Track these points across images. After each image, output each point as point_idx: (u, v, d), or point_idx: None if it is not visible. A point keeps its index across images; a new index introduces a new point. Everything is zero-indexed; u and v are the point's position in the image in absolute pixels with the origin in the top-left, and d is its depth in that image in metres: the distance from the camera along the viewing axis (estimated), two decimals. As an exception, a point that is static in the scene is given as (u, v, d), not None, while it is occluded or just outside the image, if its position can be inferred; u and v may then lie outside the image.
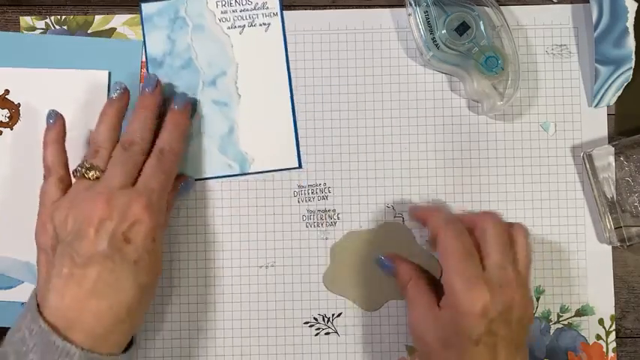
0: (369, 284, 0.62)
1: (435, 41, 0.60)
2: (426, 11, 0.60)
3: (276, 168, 0.63)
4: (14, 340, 0.50)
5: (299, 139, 0.63)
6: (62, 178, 0.56)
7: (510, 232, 0.54)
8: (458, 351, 0.51)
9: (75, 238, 0.51)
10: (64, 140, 0.58)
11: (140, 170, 0.55)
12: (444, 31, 0.59)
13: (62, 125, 0.58)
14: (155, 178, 0.54)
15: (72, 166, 0.56)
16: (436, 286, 0.56)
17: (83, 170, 0.54)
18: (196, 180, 0.62)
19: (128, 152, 0.55)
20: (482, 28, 0.59)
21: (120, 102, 0.58)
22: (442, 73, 0.63)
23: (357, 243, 0.62)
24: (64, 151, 0.57)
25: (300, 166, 0.63)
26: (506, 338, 0.51)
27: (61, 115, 0.58)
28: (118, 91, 0.58)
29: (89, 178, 0.54)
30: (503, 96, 0.60)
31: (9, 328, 0.61)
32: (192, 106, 0.62)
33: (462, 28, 0.59)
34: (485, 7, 0.61)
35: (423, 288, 0.56)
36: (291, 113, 0.63)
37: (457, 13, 0.59)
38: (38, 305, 0.51)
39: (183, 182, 0.60)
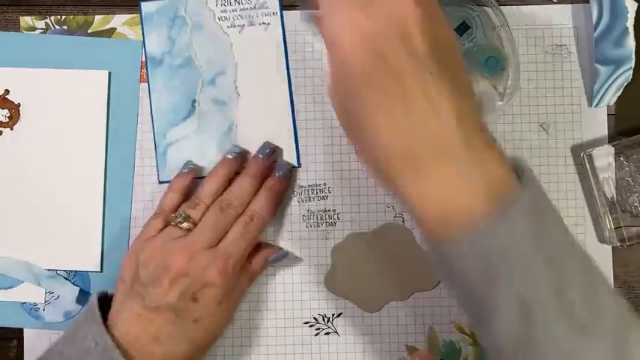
0: (369, 286, 0.62)
1: None
2: None
3: (275, 167, 0.63)
4: (79, 347, 0.53)
5: (298, 139, 0.63)
6: (167, 221, 0.58)
7: None
8: (356, 96, 0.42)
9: (151, 282, 0.54)
10: (186, 192, 0.60)
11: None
12: None
13: (192, 178, 0.61)
14: (236, 244, 0.56)
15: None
16: None
17: (179, 220, 0.57)
18: (197, 179, 0.62)
19: (223, 214, 0.57)
20: (482, 28, 0.59)
21: (234, 164, 0.60)
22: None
23: (357, 245, 0.62)
24: (182, 201, 0.59)
25: (299, 166, 0.63)
26: (410, 55, 0.41)
27: (194, 168, 0.61)
28: (234, 154, 0.60)
29: (181, 229, 0.56)
30: (504, 96, 0.60)
31: (9, 328, 0.61)
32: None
33: (462, 28, 0.59)
34: (486, 7, 0.61)
35: None
36: (291, 113, 0.63)
37: (457, 13, 0.59)
38: (106, 320, 0.54)
39: (274, 254, 0.61)
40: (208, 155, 0.63)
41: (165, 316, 0.53)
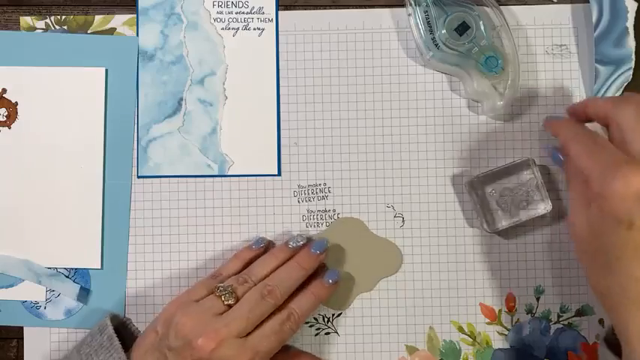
0: None
1: (435, 41, 0.60)
2: (426, 11, 0.60)
3: (255, 173, 0.63)
4: None
5: (281, 147, 0.63)
6: (213, 288, 0.57)
7: None
8: (608, 237, 0.48)
9: (176, 350, 0.53)
10: (249, 262, 0.60)
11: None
12: (443, 31, 0.59)
13: (261, 253, 0.60)
14: (268, 341, 0.54)
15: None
16: None
17: (224, 293, 0.55)
18: (177, 177, 0.62)
19: (263, 301, 0.55)
20: (482, 28, 0.59)
21: (292, 253, 0.59)
22: (442, 73, 0.63)
23: None
24: (239, 269, 0.59)
25: (279, 174, 0.63)
26: None
27: (269, 243, 0.62)
28: (296, 244, 0.60)
29: (223, 302, 0.55)
30: (504, 96, 0.60)
31: (10, 326, 0.61)
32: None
33: (462, 28, 0.59)
34: (485, 7, 0.61)
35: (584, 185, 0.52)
36: (276, 121, 0.63)
37: (457, 13, 0.59)
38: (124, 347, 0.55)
39: None
40: (189, 155, 0.63)
41: None
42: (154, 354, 0.54)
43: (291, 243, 0.59)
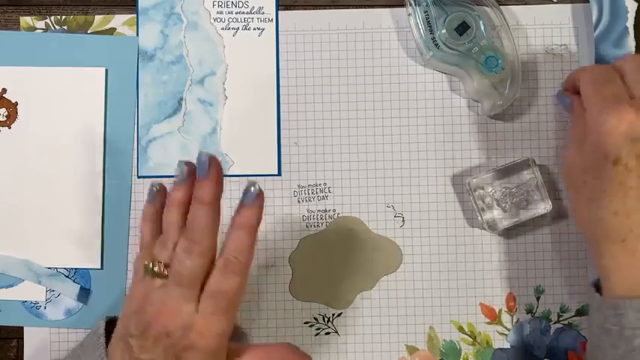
0: (334, 284, 0.62)
1: (435, 41, 0.60)
2: (426, 11, 0.60)
3: (255, 173, 0.63)
4: None
5: (281, 147, 0.63)
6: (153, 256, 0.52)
7: None
8: (595, 171, 0.50)
9: (138, 336, 0.49)
10: (160, 217, 0.53)
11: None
12: (443, 31, 0.59)
13: (161, 202, 0.54)
14: (215, 301, 0.49)
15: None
16: None
17: (151, 267, 0.50)
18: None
19: (190, 260, 0.49)
20: (482, 27, 0.59)
21: (185, 187, 0.51)
22: (442, 73, 0.63)
23: (312, 247, 0.63)
24: (160, 229, 0.53)
25: (279, 174, 0.63)
26: None
27: (161, 190, 0.55)
28: (180, 179, 0.51)
29: (158, 275, 0.50)
30: (504, 96, 0.60)
31: (10, 326, 0.61)
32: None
33: (462, 28, 0.59)
34: (485, 7, 0.61)
35: (583, 118, 0.54)
36: (276, 121, 0.63)
37: (457, 13, 0.59)
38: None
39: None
40: (189, 155, 0.63)
41: None
42: (120, 344, 0.50)
43: (176, 180, 0.51)
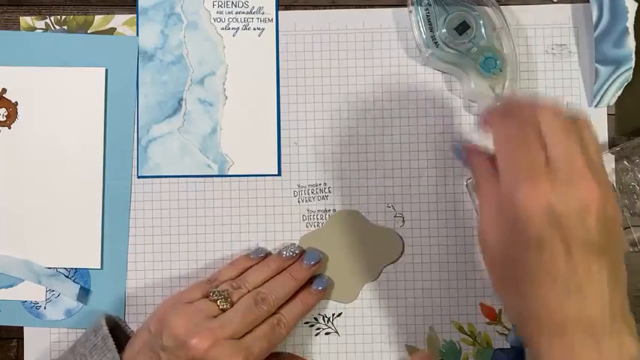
0: (338, 277, 0.62)
1: (435, 39, 0.60)
2: (427, 9, 0.60)
3: (255, 173, 0.63)
4: None
5: (281, 148, 0.63)
6: (208, 293, 0.57)
7: (574, 123, 0.46)
8: (518, 260, 0.45)
9: (170, 350, 0.53)
10: (245, 268, 0.60)
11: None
12: (444, 30, 0.59)
13: (260, 260, 0.61)
14: (260, 343, 0.55)
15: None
16: None
17: (219, 297, 0.56)
18: (177, 177, 0.63)
19: (256, 307, 0.56)
20: (482, 28, 0.59)
21: (285, 262, 0.60)
22: (442, 72, 0.63)
23: (313, 244, 0.63)
24: (236, 275, 0.60)
25: (279, 174, 0.63)
26: (584, 243, 0.43)
27: (268, 253, 0.62)
28: (290, 254, 0.61)
29: (218, 306, 0.56)
30: (500, 98, 0.60)
31: (10, 326, 0.61)
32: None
33: (462, 28, 0.59)
34: (486, 7, 0.61)
35: (494, 188, 0.47)
36: (276, 121, 0.63)
37: (458, 13, 0.59)
38: (118, 348, 0.56)
39: None
40: (189, 155, 0.63)
41: None
42: (147, 353, 0.54)
43: (284, 253, 0.60)
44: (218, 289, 0.57)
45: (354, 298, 0.63)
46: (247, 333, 0.55)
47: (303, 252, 0.61)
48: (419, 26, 0.60)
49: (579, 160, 0.44)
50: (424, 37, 0.60)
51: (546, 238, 0.43)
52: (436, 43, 0.60)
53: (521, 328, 0.47)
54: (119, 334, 0.59)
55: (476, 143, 0.58)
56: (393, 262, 0.63)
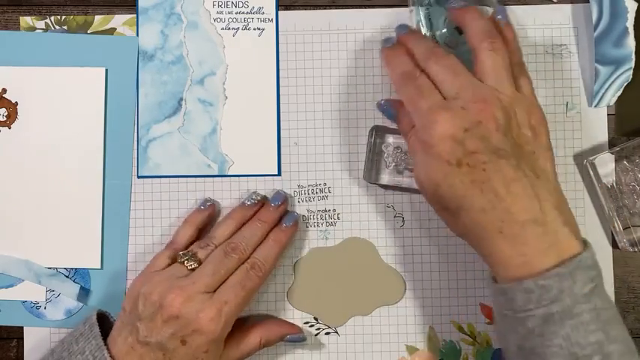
0: (332, 300, 0.62)
1: (435, 39, 0.60)
2: (428, 9, 0.60)
3: (255, 173, 0.63)
4: (78, 359, 0.55)
5: (281, 148, 0.63)
6: (175, 257, 0.58)
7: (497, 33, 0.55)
8: (445, 181, 0.51)
9: (146, 318, 0.54)
10: (202, 226, 0.61)
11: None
12: (444, 30, 0.59)
13: (210, 214, 0.62)
14: (234, 291, 0.55)
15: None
16: None
17: (186, 258, 0.57)
18: (177, 177, 0.63)
19: (227, 258, 0.57)
20: None
21: (250, 211, 0.60)
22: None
23: (320, 259, 0.63)
24: (195, 235, 0.61)
25: (279, 174, 0.63)
26: (490, 151, 0.50)
27: (214, 203, 0.62)
28: (252, 201, 0.61)
29: (186, 267, 0.57)
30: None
31: (10, 326, 0.61)
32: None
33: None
34: (488, 8, 0.60)
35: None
36: (276, 121, 0.63)
37: None
38: (105, 338, 0.56)
39: (293, 336, 0.61)
40: (189, 155, 0.63)
41: (154, 353, 0.54)
42: (125, 329, 0.55)
43: (247, 202, 0.60)
44: (184, 251, 0.58)
45: (341, 324, 0.63)
46: (222, 284, 0.56)
47: (265, 198, 0.61)
48: (419, 26, 0.60)
49: (466, 89, 0.52)
50: (425, 34, 0.60)
51: (460, 156, 0.50)
52: (436, 42, 0.60)
53: (469, 239, 0.53)
54: (108, 326, 0.59)
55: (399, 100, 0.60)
56: (389, 305, 0.63)
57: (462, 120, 0.50)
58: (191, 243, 0.60)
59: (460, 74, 0.53)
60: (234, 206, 0.61)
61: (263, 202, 0.61)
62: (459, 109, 0.51)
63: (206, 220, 0.61)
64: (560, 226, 0.50)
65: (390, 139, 0.61)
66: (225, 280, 0.56)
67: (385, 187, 0.62)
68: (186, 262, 0.57)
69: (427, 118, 0.52)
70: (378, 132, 0.61)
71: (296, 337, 0.61)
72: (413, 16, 0.61)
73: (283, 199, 0.60)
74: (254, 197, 0.60)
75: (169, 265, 0.58)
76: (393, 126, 0.62)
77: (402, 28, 0.59)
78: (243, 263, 0.57)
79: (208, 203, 0.61)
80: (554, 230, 0.50)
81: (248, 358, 0.59)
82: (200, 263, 0.57)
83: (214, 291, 0.55)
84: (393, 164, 0.61)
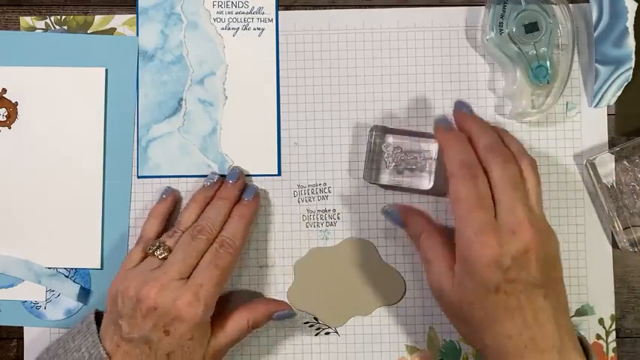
0: (332, 300, 0.62)
1: (501, 26, 0.59)
2: (504, 6, 0.59)
3: (255, 173, 0.63)
4: (74, 356, 0.55)
5: (281, 147, 0.63)
6: (147, 250, 0.59)
7: (520, 169, 0.54)
8: (480, 303, 0.51)
9: (126, 314, 0.54)
10: (168, 216, 0.62)
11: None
12: (513, 21, 0.59)
13: (172, 202, 0.62)
14: (208, 273, 0.55)
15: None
16: (450, 238, 0.55)
17: (154, 248, 0.57)
18: (177, 177, 0.63)
19: (195, 241, 0.57)
20: (549, 36, 0.59)
21: (211, 191, 0.61)
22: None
23: (320, 260, 0.63)
24: (162, 226, 0.61)
25: (279, 174, 0.63)
26: (528, 282, 0.51)
27: (174, 191, 0.62)
28: (211, 181, 0.61)
29: (157, 257, 0.57)
30: (536, 107, 0.60)
31: (10, 326, 0.61)
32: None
33: (531, 27, 0.59)
34: (563, 20, 0.60)
35: (437, 241, 0.56)
36: (276, 121, 0.63)
37: (533, 12, 0.59)
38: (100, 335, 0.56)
39: (281, 312, 0.60)
40: (189, 155, 0.63)
41: (139, 348, 0.54)
42: (110, 329, 0.55)
43: (206, 182, 0.61)
44: (152, 242, 0.58)
45: (341, 324, 0.63)
46: (195, 269, 0.56)
47: (223, 177, 0.61)
48: (494, 8, 0.60)
49: (519, 212, 0.51)
50: (493, 19, 0.59)
51: (500, 283, 0.50)
52: (501, 30, 0.59)
53: (485, 355, 0.53)
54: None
55: (404, 204, 0.62)
56: (389, 305, 0.63)
57: (511, 247, 0.51)
58: (160, 234, 0.60)
59: (518, 188, 0.53)
60: (196, 190, 0.61)
61: (222, 181, 0.61)
62: (510, 233, 0.51)
63: (171, 209, 0.62)
64: (572, 350, 0.51)
65: (390, 139, 0.61)
66: (198, 263, 0.56)
67: (385, 187, 0.62)
68: (156, 251, 0.57)
69: (477, 236, 0.51)
70: (378, 132, 0.61)
71: (284, 314, 0.60)
72: (488, 13, 0.61)
73: (239, 175, 0.61)
74: (212, 178, 0.61)
75: (143, 259, 0.58)
76: (393, 126, 0.62)
77: (462, 106, 0.59)
78: (212, 244, 0.57)
79: (169, 192, 0.62)
80: (568, 357, 0.51)
81: (238, 343, 0.59)
82: (170, 251, 0.57)
83: (188, 277, 0.55)
84: (393, 164, 0.61)
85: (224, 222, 0.59)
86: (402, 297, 0.62)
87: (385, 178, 0.62)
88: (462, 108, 0.58)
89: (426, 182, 0.61)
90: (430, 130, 0.61)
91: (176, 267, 0.55)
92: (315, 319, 0.62)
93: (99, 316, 0.58)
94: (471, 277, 0.51)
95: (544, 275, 0.51)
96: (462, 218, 0.52)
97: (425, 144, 0.61)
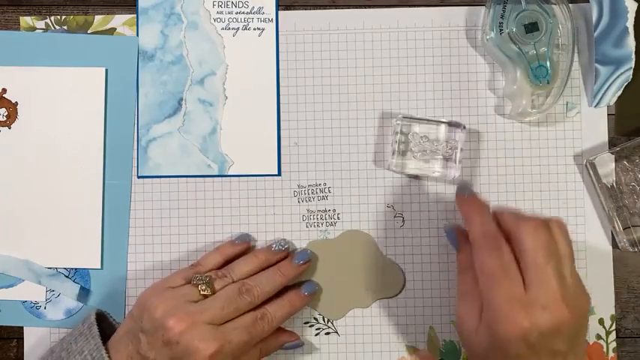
0: (332, 293, 0.62)
1: (502, 26, 0.59)
2: (504, 6, 0.59)
3: (255, 173, 0.63)
4: (77, 359, 0.54)
5: (281, 148, 0.63)
6: (190, 278, 0.58)
7: (550, 235, 0.52)
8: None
9: (149, 332, 0.54)
10: (230, 256, 0.61)
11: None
12: (514, 21, 0.59)
13: (243, 250, 0.62)
14: (239, 334, 0.55)
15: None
16: None
17: (201, 282, 0.57)
18: (177, 177, 0.63)
19: (240, 297, 0.56)
20: (549, 36, 0.59)
21: (273, 256, 0.61)
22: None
23: (319, 252, 0.63)
24: (221, 265, 0.60)
25: (279, 174, 0.63)
26: (551, 350, 0.50)
27: (249, 242, 0.62)
28: (279, 248, 0.61)
29: (200, 291, 0.56)
30: (536, 107, 0.60)
31: (10, 326, 0.61)
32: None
33: (531, 28, 0.59)
34: (563, 20, 0.60)
35: (475, 287, 0.54)
36: (276, 121, 0.63)
37: (533, 12, 0.59)
38: (104, 338, 0.56)
39: (291, 343, 0.61)
40: (189, 155, 0.63)
41: None
42: (129, 337, 0.55)
43: (274, 246, 0.61)
44: (201, 275, 0.57)
45: (340, 317, 0.63)
46: (229, 321, 0.55)
47: (292, 249, 0.61)
48: (494, 8, 0.60)
49: (553, 285, 0.50)
50: (493, 19, 0.59)
51: (522, 355, 0.49)
52: (501, 30, 0.59)
53: None
54: (106, 326, 0.59)
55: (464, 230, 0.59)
56: (388, 298, 0.63)
57: (540, 323, 0.49)
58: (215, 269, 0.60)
59: (551, 257, 0.51)
60: (262, 248, 0.62)
61: (288, 252, 0.61)
62: (541, 309, 0.49)
63: (237, 255, 0.61)
64: None
65: (417, 128, 0.61)
66: (232, 319, 0.55)
67: (411, 176, 0.62)
68: (200, 286, 0.56)
69: (505, 311, 0.49)
70: (404, 121, 0.61)
71: (294, 344, 0.61)
72: (488, 13, 0.61)
73: (307, 259, 0.61)
74: (282, 244, 0.61)
75: (183, 285, 0.57)
76: (419, 115, 0.62)
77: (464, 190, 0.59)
78: (253, 308, 0.57)
79: (245, 240, 0.62)
80: None
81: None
82: (213, 292, 0.56)
83: (219, 325, 0.55)
84: (419, 153, 0.61)
85: (271, 293, 0.58)
86: (402, 289, 0.62)
87: (412, 166, 0.61)
88: (464, 191, 0.58)
89: (453, 171, 0.61)
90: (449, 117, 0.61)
91: (213, 312, 0.54)
92: (315, 319, 0.62)
93: (99, 317, 0.58)
94: (494, 341, 0.50)
95: (569, 344, 0.50)
96: (489, 290, 0.51)
97: (451, 133, 0.61)
